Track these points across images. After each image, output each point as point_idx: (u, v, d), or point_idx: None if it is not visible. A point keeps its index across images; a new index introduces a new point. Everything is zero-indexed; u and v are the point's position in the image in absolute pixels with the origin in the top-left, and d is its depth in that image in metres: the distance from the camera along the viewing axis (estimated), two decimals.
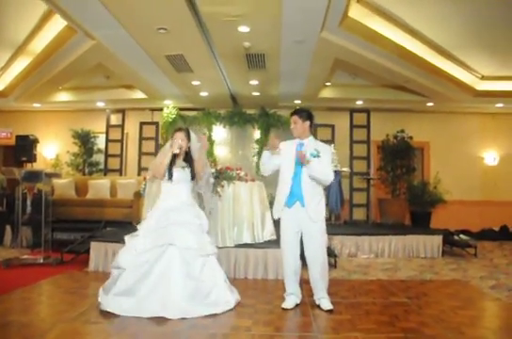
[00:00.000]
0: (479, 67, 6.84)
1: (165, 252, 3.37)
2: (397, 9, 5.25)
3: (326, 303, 3.47)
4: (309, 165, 3.33)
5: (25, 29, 5.99)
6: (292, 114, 3.58)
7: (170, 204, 3.59)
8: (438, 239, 6.21)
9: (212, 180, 4.69)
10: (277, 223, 5.29)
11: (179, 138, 3.63)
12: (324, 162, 3.41)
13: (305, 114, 3.52)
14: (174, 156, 3.65)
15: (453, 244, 6.52)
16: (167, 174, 3.61)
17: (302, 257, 3.59)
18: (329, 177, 3.44)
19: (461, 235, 6.58)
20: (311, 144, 3.50)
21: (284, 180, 3.49)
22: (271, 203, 5.70)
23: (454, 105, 8.54)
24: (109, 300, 3.34)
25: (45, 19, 5.68)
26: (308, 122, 3.51)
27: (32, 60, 6.74)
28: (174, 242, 3.38)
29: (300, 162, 3.37)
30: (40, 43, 6.24)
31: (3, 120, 9.76)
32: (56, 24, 5.67)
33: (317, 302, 3.54)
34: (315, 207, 3.45)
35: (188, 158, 3.70)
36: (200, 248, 3.45)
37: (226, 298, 3.45)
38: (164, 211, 3.55)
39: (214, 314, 3.28)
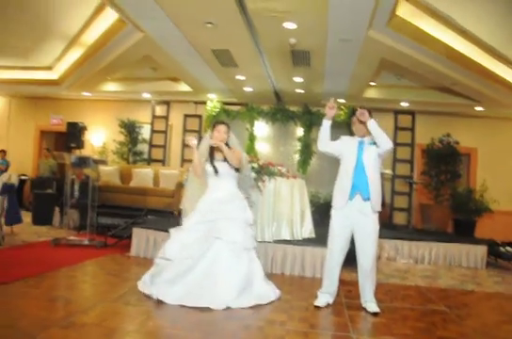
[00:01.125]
0: None
1: (212, 246, 3.44)
2: (448, 8, 5.05)
3: (372, 306, 3.42)
4: (369, 122, 3.34)
5: (79, 22, 6.24)
6: (360, 108, 3.49)
7: (216, 197, 3.64)
8: (482, 249, 5.97)
9: (253, 174, 4.75)
10: (316, 221, 5.32)
11: (221, 131, 3.68)
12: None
13: (370, 114, 3.48)
14: (212, 151, 3.72)
15: (498, 256, 6.27)
16: (211, 169, 3.67)
17: (346, 258, 3.58)
18: (390, 141, 3.39)
19: (508, 247, 6.30)
20: (369, 139, 3.51)
21: (347, 171, 3.47)
22: (311, 201, 5.72)
23: (505, 111, 8.19)
24: (157, 288, 3.39)
25: (98, 12, 5.89)
26: None
27: (84, 51, 7.00)
28: (221, 236, 3.44)
29: (360, 121, 3.40)
30: (93, 35, 6.47)
31: (55, 107, 10.23)
32: (108, 17, 5.87)
33: (363, 305, 3.50)
34: (378, 197, 3.44)
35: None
36: (245, 241, 3.52)
37: (267, 291, 3.54)
38: (210, 204, 3.61)
39: (251, 307, 3.32)
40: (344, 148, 3.53)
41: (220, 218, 3.53)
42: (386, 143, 3.36)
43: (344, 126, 8.20)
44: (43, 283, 3.60)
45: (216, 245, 3.44)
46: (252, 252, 3.61)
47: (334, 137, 3.61)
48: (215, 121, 3.93)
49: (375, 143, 3.42)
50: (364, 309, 3.45)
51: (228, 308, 3.23)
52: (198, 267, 3.38)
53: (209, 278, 3.35)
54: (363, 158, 3.43)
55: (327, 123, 3.53)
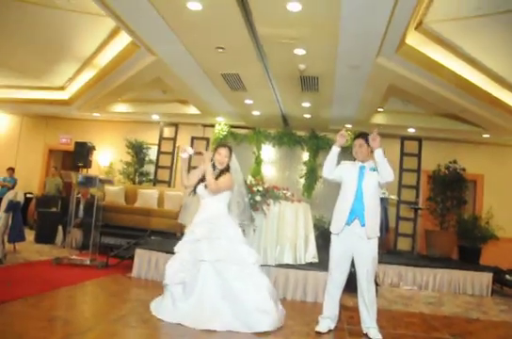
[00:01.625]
0: None
1: (200, 269, 3.43)
2: (456, 38, 5.16)
3: (374, 333, 3.36)
4: (378, 150, 3.37)
5: (93, 45, 6.41)
6: (358, 137, 3.58)
7: (200, 218, 3.62)
8: (487, 277, 5.89)
9: (258, 198, 4.76)
10: (319, 246, 5.28)
11: (222, 154, 3.67)
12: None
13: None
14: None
15: (504, 283, 6.17)
16: (198, 188, 3.68)
17: (348, 284, 3.55)
18: (392, 174, 3.39)
19: None
20: (370, 165, 3.54)
21: (346, 197, 3.49)
22: (315, 226, 5.70)
23: None
24: (162, 311, 3.44)
25: (112, 35, 6.06)
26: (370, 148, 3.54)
27: (96, 73, 7.17)
28: (203, 257, 3.43)
29: (360, 145, 3.47)
30: (106, 57, 6.63)
31: (64, 126, 10.41)
32: (121, 41, 6.04)
33: (365, 331, 3.43)
34: (375, 225, 3.43)
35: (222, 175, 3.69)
36: (234, 257, 3.45)
37: (261, 316, 3.32)
38: (195, 225, 3.60)
39: (251, 331, 3.24)
40: (345, 174, 3.55)
41: (205, 239, 3.50)
42: (388, 175, 3.39)
43: (349, 151, 8.21)
44: (43, 303, 3.57)
45: (203, 267, 3.43)
46: (252, 268, 3.50)
47: (338, 161, 3.63)
48: (217, 144, 3.93)
49: (375, 169, 3.45)
50: (366, 335, 3.39)
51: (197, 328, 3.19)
52: (195, 293, 3.37)
53: (200, 300, 3.34)
54: (363, 185, 3.45)
55: (336, 150, 3.57)
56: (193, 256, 3.47)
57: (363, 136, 3.56)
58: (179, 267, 3.48)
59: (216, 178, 3.59)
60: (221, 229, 3.56)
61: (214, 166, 3.71)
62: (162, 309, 3.44)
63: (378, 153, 3.39)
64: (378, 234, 3.45)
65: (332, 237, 3.54)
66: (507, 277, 6.17)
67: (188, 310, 3.31)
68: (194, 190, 3.70)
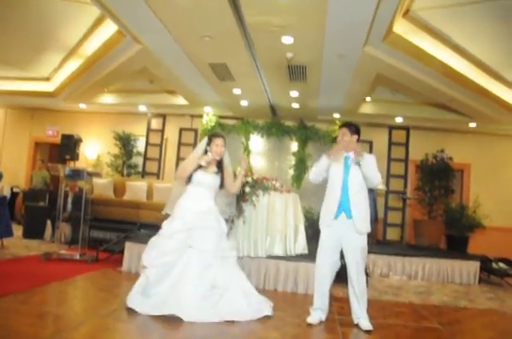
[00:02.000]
0: None
1: (184, 254, 3.45)
2: (444, 27, 5.16)
3: (365, 323, 3.40)
4: (365, 161, 3.39)
5: (78, 34, 6.26)
6: (341, 127, 3.63)
7: (197, 207, 3.59)
8: (474, 265, 6.00)
9: (247, 189, 4.77)
10: (309, 237, 5.30)
11: (220, 144, 3.67)
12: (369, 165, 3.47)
13: (354, 128, 3.56)
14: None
15: (490, 272, 6.27)
16: (202, 177, 3.65)
17: (338, 275, 3.59)
18: (377, 177, 3.45)
19: (500, 263, 6.31)
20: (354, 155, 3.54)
21: (334, 190, 3.50)
22: (305, 217, 5.72)
23: (499, 128, 8.29)
24: (133, 298, 3.46)
25: (97, 23, 5.92)
26: (356, 136, 3.55)
27: (82, 63, 7.01)
28: (193, 245, 3.45)
29: (354, 160, 3.45)
30: (91, 47, 6.49)
31: (50, 118, 10.21)
32: (107, 30, 5.91)
33: (356, 321, 3.48)
34: (364, 218, 3.45)
35: (221, 165, 3.74)
36: (217, 250, 3.49)
37: (242, 306, 3.43)
38: (189, 213, 3.56)
39: (241, 323, 3.27)
40: (331, 167, 3.55)
41: (197, 228, 3.51)
42: (377, 184, 3.46)
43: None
44: (33, 299, 3.55)
45: (187, 254, 3.45)
46: (230, 262, 3.56)
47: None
48: (211, 134, 3.83)
49: (360, 164, 3.46)
50: (357, 326, 3.43)
51: (208, 323, 3.19)
52: (170, 276, 3.40)
53: (177, 287, 3.35)
54: (349, 179, 3.47)
55: (325, 161, 3.53)
56: (182, 243, 3.47)
57: (346, 125, 3.59)
58: (158, 254, 3.45)
59: (222, 173, 3.71)
60: (213, 221, 3.58)
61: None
62: (133, 300, 3.44)
63: (371, 159, 3.44)
64: (369, 230, 3.48)
65: (322, 229, 3.55)
66: (494, 265, 6.28)
67: (159, 297, 3.33)
68: (189, 180, 3.65)
